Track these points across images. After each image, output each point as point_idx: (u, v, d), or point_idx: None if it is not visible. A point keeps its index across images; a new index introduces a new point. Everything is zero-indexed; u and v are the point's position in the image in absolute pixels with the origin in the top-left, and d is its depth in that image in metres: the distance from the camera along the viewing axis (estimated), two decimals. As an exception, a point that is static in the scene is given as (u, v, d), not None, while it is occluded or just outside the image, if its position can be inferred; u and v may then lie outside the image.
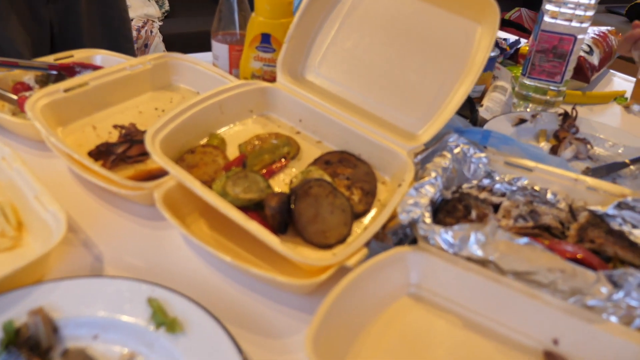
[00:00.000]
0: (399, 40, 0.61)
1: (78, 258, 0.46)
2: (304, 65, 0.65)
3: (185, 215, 0.50)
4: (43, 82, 0.71)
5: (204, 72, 0.70)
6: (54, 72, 0.73)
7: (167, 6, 2.14)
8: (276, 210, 0.47)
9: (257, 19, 0.65)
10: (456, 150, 0.56)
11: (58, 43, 0.91)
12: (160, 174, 0.56)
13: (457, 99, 0.58)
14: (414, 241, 0.48)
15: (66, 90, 0.59)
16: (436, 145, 0.58)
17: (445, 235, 0.44)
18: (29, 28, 0.85)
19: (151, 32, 1.89)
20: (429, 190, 0.49)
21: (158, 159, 0.46)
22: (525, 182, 0.55)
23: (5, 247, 0.45)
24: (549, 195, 0.54)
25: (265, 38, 0.65)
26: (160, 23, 2.03)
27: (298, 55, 0.64)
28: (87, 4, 0.92)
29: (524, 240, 0.40)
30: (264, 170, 0.54)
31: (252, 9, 0.68)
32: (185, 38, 2.04)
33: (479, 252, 0.42)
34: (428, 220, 0.45)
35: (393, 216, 0.48)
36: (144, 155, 0.57)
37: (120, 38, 1.01)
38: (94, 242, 0.48)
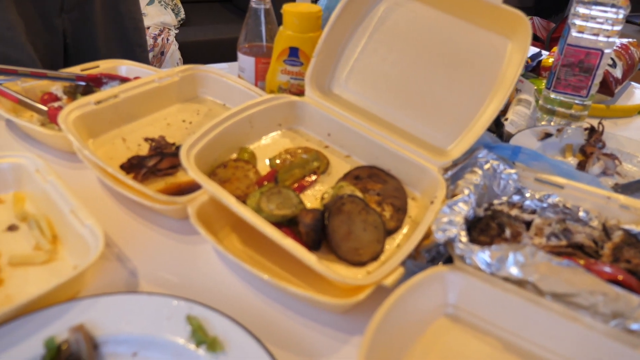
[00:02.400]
0: (428, 54, 0.61)
1: (113, 272, 0.46)
2: (332, 79, 0.65)
3: (217, 230, 0.50)
4: (71, 93, 0.71)
5: (230, 84, 0.70)
6: (82, 83, 0.73)
7: (182, 14, 2.16)
8: (310, 228, 0.47)
9: (285, 32, 0.65)
10: (486, 166, 0.56)
11: (72, 53, 0.91)
12: (190, 187, 0.56)
13: (488, 115, 0.57)
14: (448, 260, 0.48)
15: (97, 103, 0.60)
16: (466, 161, 0.58)
17: (482, 255, 0.43)
18: (43, 38, 0.86)
19: (167, 40, 1.90)
20: (463, 208, 0.49)
21: (194, 174, 0.46)
22: (556, 199, 0.55)
23: (41, 260, 0.45)
24: (581, 213, 0.53)
25: (293, 52, 0.65)
26: (176, 31, 2.04)
27: (326, 69, 0.64)
28: (101, 13, 0.93)
29: (565, 262, 0.40)
30: (295, 185, 0.54)
31: (279, 22, 0.68)
32: (200, 46, 2.05)
33: (517, 273, 0.41)
34: (464, 239, 0.45)
35: (427, 234, 0.47)
36: (174, 168, 0.58)
37: (135, 47, 1.01)
38: (127, 256, 0.48)
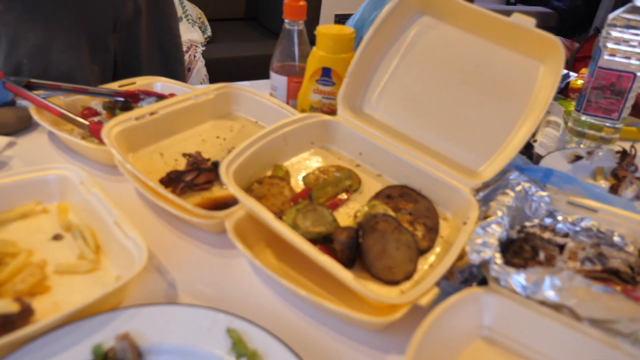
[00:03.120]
0: (459, 76, 0.62)
1: (153, 283, 0.47)
2: (363, 99, 0.66)
3: (252, 244, 0.51)
4: (110, 108, 0.74)
5: (262, 102, 0.72)
6: (120, 99, 0.76)
7: (209, 32, 2.21)
8: (345, 245, 0.47)
9: (318, 53, 0.67)
10: (518, 188, 0.56)
11: (119, 70, 0.95)
12: (224, 202, 0.58)
13: (520, 138, 0.58)
14: (482, 281, 0.48)
15: (137, 119, 0.62)
16: (497, 182, 0.58)
17: (517, 278, 0.43)
18: (98, 57, 0.90)
19: (194, 56, 1.95)
20: (496, 230, 0.49)
21: (233, 190, 0.47)
22: (590, 223, 0.55)
23: (85, 269, 0.46)
24: (615, 238, 0.53)
25: (326, 72, 0.67)
26: (203, 48, 2.09)
27: (357, 90, 0.65)
28: (146, 32, 0.96)
29: (604, 287, 0.40)
30: (328, 203, 0.55)
31: (312, 43, 0.70)
32: (225, 63, 2.09)
33: (554, 297, 0.41)
34: (499, 261, 0.45)
35: (461, 255, 0.48)
36: (209, 183, 0.59)
37: (174, 63, 1.04)
38: (166, 268, 0.49)
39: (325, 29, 0.67)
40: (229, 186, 0.48)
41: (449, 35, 0.64)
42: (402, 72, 0.65)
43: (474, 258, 0.46)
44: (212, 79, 2.02)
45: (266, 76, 0.93)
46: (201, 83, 1.98)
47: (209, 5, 2.27)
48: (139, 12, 0.93)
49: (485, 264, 0.46)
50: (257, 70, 2.19)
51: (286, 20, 0.70)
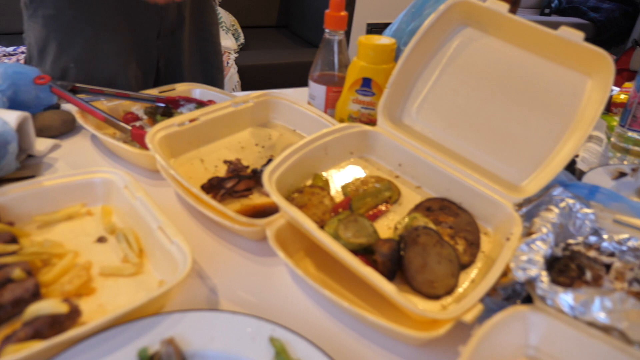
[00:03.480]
0: (502, 89, 0.61)
1: (195, 289, 0.48)
2: (402, 110, 0.66)
3: (292, 253, 0.51)
4: (151, 113, 0.75)
5: (301, 111, 0.72)
6: (161, 105, 0.77)
7: (242, 39, 2.24)
8: (387, 257, 0.47)
9: (359, 63, 0.67)
10: (562, 205, 0.55)
11: (161, 75, 0.97)
12: (263, 209, 0.58)
13: (565, 153, 0.57)
14: (526, 299, 0.47)
15: (179, 125, 0.63)
16: (540, 198, 0.57)
17: (565, 297, 0.42)
18: (141, 64, 0.92)
19: (227, 63, 1.98)
20: (541, 247, 0.48)
21: (276, 198, 0.48)
22: (637, 242, 0.53)
23: (129, 273, 0.47)
24: (665, 260, 0.51)
25: (366, 82, 0.67)
26: (236, 55, 2.12)
27: (397, 100, 0.65)
28: (188, 40, 0.98)
29: (658, 310, 0.38)
30: (368, 214, 0.55)
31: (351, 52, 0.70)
32: (257, 70, 2.11)
33: (604, 319, 0.40)
34: (546, 279, 0.44)
35: (505, 272, 0.47)
36: (249, 190, 0.60)
37: (214, 69, 1.06)
38: (207, 273, 0.50)
39: (367, 39, 0.67)
40: (272, 194, 0.48)
41: (492, 47, 0.63)
42: (443, 84, 0.65)
43: (520, 275, 0.45)
44: (244, 86, 2.05)
45: (297, 84, 0.94)
46: (233, 90, 2.00)
47: (242, 13, 2.30)
48: (182, 21, 0.95)
49: (531, 282, 0.45)
50: (288, 77, 2.22)
51: (326, 30, 0.71)
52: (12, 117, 0.62)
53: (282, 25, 2.69)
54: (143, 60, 0.89)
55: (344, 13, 0.69)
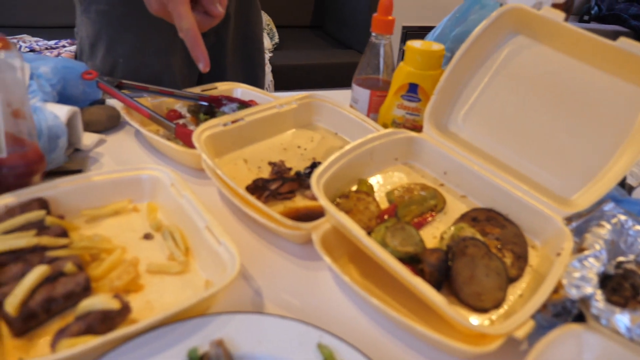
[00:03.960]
0: (553, 100, 0.60)
1: (240, 290, 0.48)
2: (449, 117, 0.65)
3: (336, 258, 0.50)
4: (194, 111, 0.76)
5: (344, 114, 0.72)
6: (204, 103, 0.78)
7: (277, 38, 2.25)
8: (435, 268, 0.46)
9: (405, 68, 0.66)
10: (614, 221, 0.53)
11: (205, 75, 0.98)
12: (307, 212, 0.58)
13: (619, 168, 0.55)
14: (577, 317, 0.46)
15: (225, 125, 0.63)
16: (591, 213, 0.55)
17: (621, 318, 0.41)
18: (187, 61, 0.93)
19: (261, 62, 1.99)
20: (594, 264, 0.47)
21: (324, 203, 0.47)
22: (693, 263, 0.51)
23: (175, 271, 0.48)
24: None
25: (413, 88, 0.66)
26: (271, 54, 2.13)
27: (444, 107, 0.64)
28: (233, 38, 0.99)
29: None
30: (414, 222, 0.54)
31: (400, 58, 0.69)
32: (291, 69, 2.12)
33: (665, 343, 0.39)
34: (601, 298, 0.43)
35: (556, 288, 0.46)
36: (292, 192, 0.59)
37: (256, 68, 1.07)
38: (251, 274, 0.50)
39: (415, 44, 0.66)
40: (320, 199, 0.48)
41: (544, 56, 0.61)
42: (492, 92, 0.63)
43: (573, 293, 0.44)
44: (277, 86, 2.06)
45: (330, 85, 0.94)
46: (266, 89, 2.01)
47: (277, 12, 2.31)
48: (228, 19, 0.95)
49: (585, 300, 0.43)
50: (322, 78, 2.22)
51: (373, 34, 0.70)
52: (62, 112, 0.63)
53: (317, 26, 2.70)
54: (189, 58, 0.90)
55: (391, 17, 0.68)
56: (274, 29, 2.25)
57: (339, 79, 2.16)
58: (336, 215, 0.46)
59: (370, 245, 0.44)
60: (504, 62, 0.63)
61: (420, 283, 0.42)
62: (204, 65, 0.63)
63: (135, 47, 0.88)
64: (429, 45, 0.66)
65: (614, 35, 0.56)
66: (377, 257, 0.45)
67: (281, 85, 2.08)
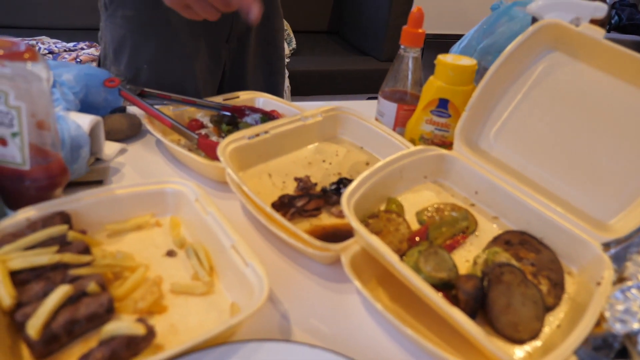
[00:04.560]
0: (590, 118, 0.58)
1: (266, 313, 0.46)
2: (480, 134, 0.63)
3: (365, 281, 0.48)
4: (217, 122, 0.74)
5: (370, 128, 0.70)
6: (227, 113, 0.76)
7: (294, 44, 2.24)
8: (471, 296, 0.44)
9: (436, 82, 0.64)
10: (655, 248, 0.51)
11: (226, 78, 0.97)
12: (333, 231, 0.56)
13: (662, 192, 0.53)
14: (621, 353, 0.43)
15: (250, 138, 0.62)
16: (631, 239, 0.53)
17: (672, 357, 0.39)
18: (210, 67, 0.92)
19: (278, 67, 1.98)
20: (637, 296, 0.45)
21: (355, 225, 0.45)
22: None
23: (200, 292, 0.46)
24: None
25: (443, 103, 0.64)
26: (288, 60, 2.12)
27: (475, 124, 0.62)
28: (255, 44, 0.98)
29: None
30: (445, 244, 0.52)
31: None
32: (308, 76, 2.11)
33: None
34: (649, 335, 0.40)
35: (598, 321, 0.43)
36: (318, 210, 0.58)
37: (276, 75, 1.06)
38: (277, 296, 0.48)
39: (446, 58, 0.64)
40: (351, 221, 0.46)
41: (582, 74, 0.59)
42: (525, 109, 0.61)
43: (618, 328, 0.41)
44: (294, 91, 2.04)
45: (347, 92, 0.92)
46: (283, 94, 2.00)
47: (294, 17, 2.30)
48: (251, 25, 0.94)
49: (631, 337, 0.41)
50: (338, 85, 2.20)
51: (402, 46, 0.68)
52: (85, 121, 0.62)
53: (333, 32, 2.68)
54: (212, 64, 0.89)
55: (421, 30, 0.66)
56: (292, 34, 2.24)
57: (357, 86, 2.14)
58: (368, 239, 0.44)
59: (404, 271, 0.42)
60: (538, 78, 0.61)
61: (458, 314, 0.40)
62: (254, 15, 0.60)
63: (160, 52, 0.87)
64: (461, 59, 0.64)
65: (634, 46, 0.54)
66: (410, 284, 0.43)
67: (298, 91, 2.07)
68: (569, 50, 0.60)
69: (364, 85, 2.11)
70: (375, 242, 0.44)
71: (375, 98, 0.74)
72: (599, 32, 0.57)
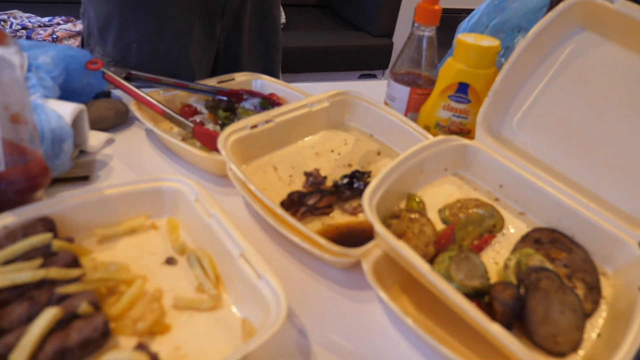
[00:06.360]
0: (625, 105, 0.53)
1: (282, 329, 0.41)
2: (502, 122, 0.58)
3: (387, 287, 0.44)
4: (212, 107, 0.68)
5: (380, 114, 0.65)
6: (223, 98, 0.70)
7: (283, 18, 2.15)
8: (509, 307, 0.40)
9: (455, 65, 0.59)
10: (696, 248, 0.47)
11: (221, 56, 0.90)
12: (348, 231, 0.51)
13: None
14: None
15: (252, 127, 0.56)
16: (670, 237, 0.49)
17: None
18: (204, 45, 0.85)
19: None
20: (686, 303, 0.41)
21: (379, 229, 0.41)
22: None
23: (207, 307, 0.41)
24: None
25: (463, 88, 0.59)
26: (277, 35, 2.03)
27: (498, 111, 0.57)
28: (249, 18, 0.91)
29: None
30: (472, 245, 0.48)
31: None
32: (298, 52, 2.03)
33: None
34: None
35: (646, 331, 0.40)
36: (329, 207, 0.53)
37: (273, 51, 0.99)
38: (292, 309, 0.43)
39: (467, 38, 0.58)
40: (376, 226, 0.41)
41: (615, 56, 0.54)
42: (551, 94, 0.56)
43: (673, 342, 0.38)
44: (284, 68, 1.96)
45: (341, 69, 0.85)
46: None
47: (282, -9, 2.20)
48: None
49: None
50: (331, 61, 2.12)
51: (415, 24, 0.62)
52: (67, 111, 0.55)
53: (324, 5, 2.58)
54: (206, 41, 0.82)
55: (438, 7, 0.61)
56: (281, 8, 2.14)
57: (349, 63, 2.06)
58: (395, 246, 0.40)
59: (438, 283, 0.38)
60: (566, 61, 0.56)
61: (499, 331, 0.36)
62: None
63: (151, 29, 0.79)
64: (484, 39, 0.58)
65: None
66: (443, 295, 0.38)
67: (289, 68, 1.99)
68: (601, 30, 0.54)
69: (357, 62, 2.03)
70: (403, 249, 0.39)
71: (368, 76, 0.69)
72: (638, 10, 0.51)
